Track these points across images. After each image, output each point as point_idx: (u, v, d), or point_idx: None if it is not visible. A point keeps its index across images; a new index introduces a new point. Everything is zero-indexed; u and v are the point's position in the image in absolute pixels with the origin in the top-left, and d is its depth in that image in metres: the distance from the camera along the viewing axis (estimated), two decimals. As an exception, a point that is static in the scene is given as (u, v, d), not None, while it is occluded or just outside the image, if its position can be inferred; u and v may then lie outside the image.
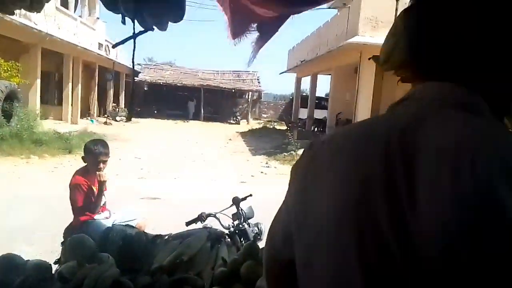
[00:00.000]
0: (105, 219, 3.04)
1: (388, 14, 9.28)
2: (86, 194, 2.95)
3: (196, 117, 26.68)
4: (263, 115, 31.97)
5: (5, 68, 11.44)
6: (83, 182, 2.95)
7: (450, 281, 0.43)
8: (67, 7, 16.45)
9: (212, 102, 28.00)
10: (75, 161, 9.25)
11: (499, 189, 0.43)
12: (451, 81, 0.55)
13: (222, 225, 2.79)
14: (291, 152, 12.71)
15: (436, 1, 0.58)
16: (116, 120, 21.47)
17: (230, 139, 17.55)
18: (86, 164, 3.06)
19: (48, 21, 12.99)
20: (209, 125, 23.82)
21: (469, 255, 0.42)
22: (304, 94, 24.67)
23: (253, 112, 30.56)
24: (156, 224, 3.69)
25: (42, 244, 3.91)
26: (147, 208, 5.89)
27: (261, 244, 1.76)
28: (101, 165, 2.99)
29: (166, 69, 29.75)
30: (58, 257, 2.24)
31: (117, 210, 3.30)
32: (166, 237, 2.22)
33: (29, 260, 1.74)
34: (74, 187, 2.94)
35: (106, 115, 21.74)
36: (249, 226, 2.88)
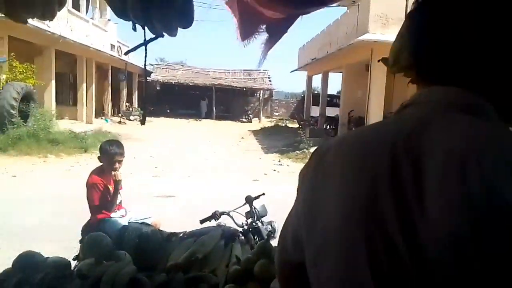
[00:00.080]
0: (121, 217, 3.10)
1: (398, 11, 9.18)
2: (102, 193, 3.02)
3: (208, 116, 26.81)
4: (274, 113, 31.93)
5: (21, 70, 11.66)
6: (99, 181, 3.02)
7: (459, 282, 0.44)
8: (78, 10, 16.70)
9: (224, 101, 28.08)
10: (91, 160, 9.41)
11: (506, 190, 0.43)
12: (456, 85, 0.55)
13: (235, 223, 2.82)
14: (304, 150, 12.69)
15: (438, 4, 0.58)
16: (130, 120, 21.71)
17: (242, 138, 17.59)
18: (102, 164, 3.12)
19: (60, 24, 13.20)
20: (221, 124, 23.91)
21: (475, 256, 0.43)
22: (316, 92, 24.54)
23: (265, 110, 30.55)
24: (171, 222, 3.74)
25: (61, 241, 3.99)
26: (162, 206, 5.97)
27: (275, 242, 1.78)
28: (117, 164, 3.05)
29: (177, 68, 29.94)
30: (76, 253, 2.30)
31: (133, 208, 3.36)
32: (181, 235, 2.26)
33: (48, 257, 1.79)
34: (90, 186, 3.01)
35: (120, 115, 22.00)
36: (263, 224, 2.89)
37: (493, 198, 0.44)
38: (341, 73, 17.06)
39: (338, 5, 12.47)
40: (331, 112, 18.77)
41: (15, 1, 1.61)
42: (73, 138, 11.82)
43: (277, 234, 3.09)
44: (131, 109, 23.66)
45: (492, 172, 0.45)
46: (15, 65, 11.53)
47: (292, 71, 23.73)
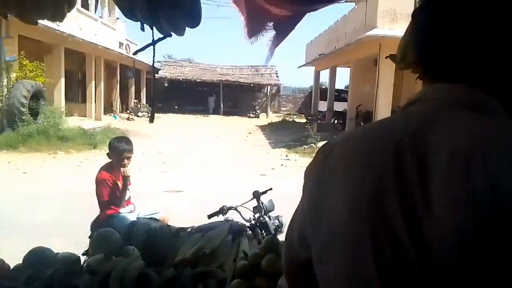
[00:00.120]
0: (130, 212, 3.13)
1: (406, 6, 9.08)
2: (111, 189, 3.05)
3: (215, 111, 26.86)
4: (282, 108, 31.87)
5: (30, 69, 11.78)
6: (109, 177, 3.05)
7: (464, 280, 0.44)
8: (87, 9, 16.82)
9: (231, 97, 28.09)
10: (100, 156, 9.50)
11: (511, 187, 0.43)
12: (461, 82, 0.55)
13: (243, 218, 2.83)
14: (311, 144, 12.66)
15: (443, 2, 0.58)
16: (138, 116, 21.84)
17: (249, 133, 17.60)
18: (111, 160, 3.14)
19: (69, 23, 13.30)
20: (228, 119, 23.94)
21: (479, 253, 0.43)
22: (323, 87, 24.43)
23: (272, 105, 30.51)
24: (179, 217, 3.76)
25: (70, 237, 4.04)
26: (170, 201, 6.01)
27: (282, 237, 1.78)
28: (125, 161, 3.08)
29: (185, 65, 30.00)
30: (86, 248, 2.33)
31: (141, 204, 3.39)
32: (189, 229, 2.27)
33: (58, 253, 1.81)
34: (100, 183, 3.04)
35: (128, 111, 22.15)
36: (270, 219, 2.90)
37: (498, 196, 0.43)
38: (349, 68, 16.97)
39: (346, 1, 12.38)
40: (338, 106, 18.68)
41: (26, 3, 1.63)
42: (82, 134, 11.93)
43: (285, 229, 3.09)
44: (139, 105, 23.80)
45: (497, 170, 0.45)
46: (25, 63, 11.64)
47: (299, 67, 23.66)
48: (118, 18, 20.24)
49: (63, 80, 14.62)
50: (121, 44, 20.79)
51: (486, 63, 0.54)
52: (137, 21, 1.52)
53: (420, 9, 0.61)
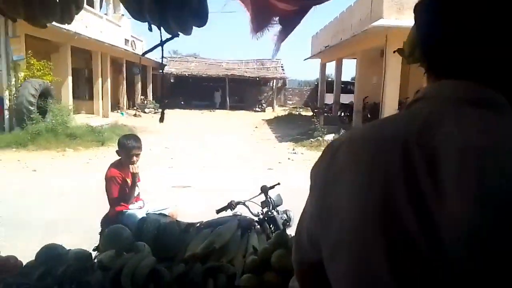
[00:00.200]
0: (139, 208, 3.15)
1: (414, -5, 8.97)
2: (120, 186, 3.08)
3: (222, 106, 26.87)
4: (288, 101, 31.78)
5: (38, 67, 11.87)
6: (118, 174, 3.08)
7: (479, 277, 0.44)
8: (93, 6, 16.86)
9: (237, 91, 28.07)
10: (108, 153, 9.56)
11: None
12: (466, 79, 0.54)
13: (251, 212, 2.84)
14: (318, 138, 12.63)
15: None
16: (145, 112, 21.94)
17: (256, 127, 17.60)
18: (120, 157, 3.17)
19: (75, 21, 13.30)
20: (235, 114, 23.94)
21: (494, 250, 0.43)
22: (329, 79, 24.29)
23: (278, 99, 30.44)
24: (187, 212, 3.79)
25: (80, 233, 4.09)
26: (178, 197, 6.05)
27: (290, 231, 1.79)
28: (134, 158, 3.10)
29: (191, 61, 30.00)
30: (96, 244, 2.36)
31: (150, 200, 3.42)
32: (198, 225, 2.28)
33: (70, 249, 1.84)
34: (109, 179, 3.07)
35: (135, 108, 22.25)
36: (278, 214, 2.91)
37: None
38: (355, 60, 16.84)
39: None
40: (345, 99, 18.58)
41: (34, 6, 1.64)
42: (90, 132, 12.03)
43: (293, 223, 3.11)
44: (146, 102, 23.90)
45: (510, 166, 0.44)
46: (32, 62, 11.73)
47: (305, 59, 23.54)
48: (123, 15, 20.26)
49: (70, 78, 14.72)
50: (126, 41, 20.83)
51: (491, 58, 0.53)
52: (145, 22, 1.52)
53: (423, 3, 0.60)
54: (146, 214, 2.98)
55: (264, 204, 2.92)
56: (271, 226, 2.79)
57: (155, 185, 6.01)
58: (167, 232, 2.02)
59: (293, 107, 28.54)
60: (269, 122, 19.80)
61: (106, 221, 2.98)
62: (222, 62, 29.59)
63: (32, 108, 10.95)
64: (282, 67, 28.66)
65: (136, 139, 3.20)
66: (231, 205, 2.83)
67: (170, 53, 33.56)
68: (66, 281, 1.52)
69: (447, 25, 0.55)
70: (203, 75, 27.35)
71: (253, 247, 1.72)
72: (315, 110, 19.85)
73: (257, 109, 27.24)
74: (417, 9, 0.61)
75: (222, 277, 1.53)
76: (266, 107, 27.75)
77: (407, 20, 10.43)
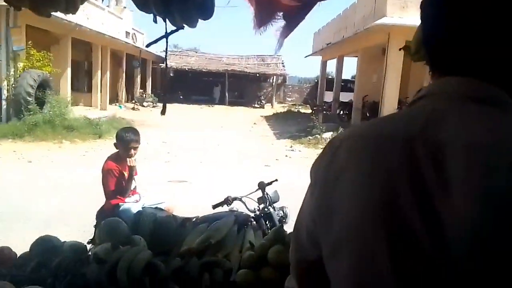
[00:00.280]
0: (135, 202, 3.15)
1: (417, -7, 8.96)
2: (117, 179, 3.06)
3: (221, 102, 26.82)
4: (287, 98, 31.76)
5: (38, 58, 11.82)
6: (115, 167, 3.06)
7: (484, 275, 0.43)
8: (95, -2, 16.77)
9: (237, 87, 28.03)
10: (105, 146, 9.55)
11: None
12: (470, 76, 0.54)
13: (248, 208, 2.84)
14: (316, 135, 12.62)
15: None
16: (144, 106, 21.88)
17: (254, 123, 17.59)
18: (118, 150, 3.16)
19: (77, 12, 13.25)
20: (234, 110, 23.92)
21: (501, 250, 0.42)
22: (330, 77, 24.27)
23: (278, 96, 30.41)
24: (183, 207, 3.78)
25: (75, 225, 4.08)
26: (174, 191, 6.04)
27: (287, 227, 1.79)
28: (132, 151, 3.09)
29: (191, 55, 29.92)
30: (91, 237, 2.35)
31: (147, 194, 3.41)
32: (194, 219, 2.28)
33: (65, 241, 1.83)
34: (106, 172, 3.06)
35: (133, 101, 22.19)
36: (275, 210, 2.90)
37: None
38: (356, 58, 16.81)
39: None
40: (345, 97, 18.57)
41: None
42: (87, 124, 11.99)
43: (289, 220, 3.11)
44: (144, 95, 23.84)
45: None
46: (32, 53, 11.68)
47: (306, 56, 23.51)
48: (125, 7, 20.19)
49: (69, 70, 14.66)
50: (127, 33, 20.75)
51: (495, 56, 0.53)
52: (150, 14, 1.51)
53: (428, 1, 0.60)
54: (142, 207, 2.97)
55: (260, 200, 2.92)
56: (267, 222, 2.79)
57: (151, 179, 6.00)
58: (164, 226, 2.01)
59: (292, 104, 28.53)
60: (268, 118, 19.79)
61: (102, 214, 2.97)
62: (222, 57, 29.52)
63: (30, 99, 10.91)
64: (282, 63, 28.61)
65: (135, 132, 3.18)
66: (227, 201, 2.83)
67: (170, 47, 33.32)
68: (61, 273, 1.51)
69: (451, 22, 0.55)
70: (203, 70, 27.27)
71: (250, 242, 1.71)
72: (314, 108, 19.84)
73: (256, 105, 27.20)
74: (422, 6, 0.61)
75: (218, 272, 1.52)
76: (265, 103, 27.72)
77: (411, 18, 10.42)
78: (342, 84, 19.82)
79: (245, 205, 2.87)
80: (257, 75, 27.87)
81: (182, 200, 4.83)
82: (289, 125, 16.36)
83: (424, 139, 0.49)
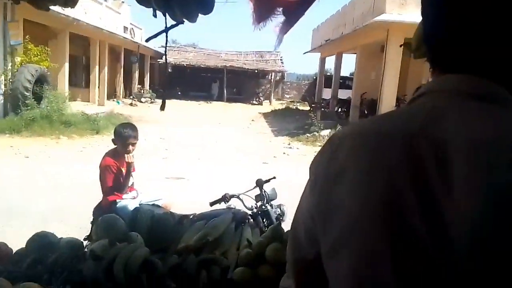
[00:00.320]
0: (133, 198, 3.14)
1: (417, -10, 8.96)
2: (115, 175, 3.05)
3: (219, 98, 26.77)
4: (286, 95, 31.73)
5: (35, 53, 11.74)
6: (113, 163, 3.05)
7: (486, 275, 0.43)
8: (93, -8, 16.66)
9: (235, 83, 27.98)
10: (103, 142, 9.52)
11: None
12: (470, 73, 0.54)
13: (245, 206, 2.84)
14: (314, 133, 12.62)
15: None
16: (141, 102, 21.83)
17: (252, 120, 17.57)
18: (115, 146, 3.15)
19: (75, 7, 13.19)
20: (232, 106, 23.89)
21: (504, 249, 0.42)
22: (328, 74, 24.25)
23: (276, 92, 30.38)
24: (181, 204, 3.78)
25: (72, 221, 4.08)
26: (172, 188, 6.04)
27: (284, 225, 1.78)
28: (130, 147, 3.08)
29: (189, 51, 29.81)
30: (87, 233, 2.34)
31: (144, 190, 3.40)
32: (191, 216, 2.28)
33: (62, 237, 1.82)
34: (104, 168, 3.05)
35: (131, 97, 22.14)
36: (272, 208, 2.91)
37: None
38: (354, 55, 16.80)
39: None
40: (343, 94, 18.57)
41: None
42: (85, 120, 11.95)
43: (286, 218, 3.11)
44: (142, 91, 23.78)
45: None
46: (30, 48, 11.60)
47: (305, 53, 23.47)
48: (123, 2, 20.06)
49: (67, 64, 14.60)
50: (125, 28, 20.64)
51: (496, 53, 0.53)
52: (150, 7, 1.49)
53: (428, 0, 0.60)
54: (140, 204, 2.96)
55: (258, 197, 2.92)
56: (264, 220, 2.79)
57: (148, 176, 5.99)
58: (161, 223, 2.01)
59: (290, 101, 28.51)
60: (266, 115, 19.77)
61: (99, 210, 2.97)
62: (220, 53, 29.45)
63: (27, 94, 10.85)
64: (281, 59, 28.57)
65: (133, 128, 3.17)
66: (225, 198, 2.83)
67: (169, 42, 33.09)
68: (57, 270, 1.50)
69: (452, 23, 0.55)
70: (201, 66, 27.20)
71: (248, 240, 1.71)
72: (313, 105, 19.83)
73: (254, 102, 27.18)
74: (422, 5, 0.60)
75: (215, 270, 1.52)
76: (263, 100, 27.69)
77: (410, 15, 10.42)
78: (341, 81, 19.82)
79: (243, 202, 2.87)
80: (256, 71, 27.83)
81: (180, 197, 4.81)
82: (287, 122, 16.36)
83: (425, 136, 0.49)
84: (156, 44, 23.22)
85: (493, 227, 0.43)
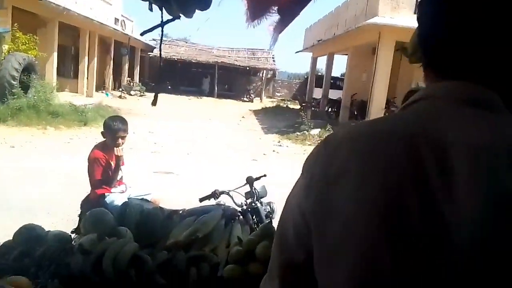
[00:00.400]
0: (121, 192, 3.11)
1: (410, -6, 9.05)
2: (104, 168, 3.02)
3: (209, 94, 26.66)
4: (276, 93, 31.76)
5: (23, 41, 11.52)
6: (102, 156, 3.02)
7: (478, 280, 0.44)
8: (83, -19, 16.40)
9: (226, 80, 27.89)
10: (91, 134, 9.41)
11: None
12: (465, 79, 0.54)
13: (235, 203, 2.83)
14: (304, 131, 12.67)
15: None
16: (131, 94, 21.61)
17: (243, 117, 17.55)
18: (105, 139, 3.11)
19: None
20: (222, 102, 23.82)
21: (506, 252, 0.43)
22: (319, 73, 24.34)
23: (267, 90, 30.39)
24: (169, 199, 3.76)
25: (59, 214, 4.02)
26: (160, 182, 6.00)
27: (274, 223, 1.79)
28: (120, 140, 3.05)
29: (181, 45, 29.56)
30: (75, 226, 2.31)
31: (133, 184, 3.37)
32: (181, 212, 2.26)
33: (49, 230, 1.79)
34: (92, 161, 3.01)
35: (120, 89, 21.89)
36: (262, 205, 2.91)
37: None
38: (346, 56, 16.88)
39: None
40: (333, 94, 18.66)
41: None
42: (73, 111, 11.78)
43: (275, 215, 3.11)
44: (132, 84, 23.53)
45: None
46: (18, 36, 11.37)
47: (297, 52, 23.48)
48: (114, -7, 19.78)
49: (55, 54, 14.35)
50: (116, 20, 20.36)
51: (492, 59, 0.53)
52: (146, 1, 1.48)
53: (423, 2, 0.60)
54: (128, 199, 2.94)
55: (248, 195, 2.92)
56: (254, 217, 2.79)
57: (136, 170, 5.94)
58: (150, 218, 1.99)
59: (281, 99, 28.55)
60: (256, 112, 19.77)
61: (87, 204, 2.93)
62: (212, 49, 29.29)
63: (14, 82, 10.64)
64: (273, 58, 28.57)
65: (123, 121, 3.14)
66: (215, 194, 2.81)
67: (161, 34, 32.98)
68: (45, 263, 1.48)
69: (452, 19, 0.55)
70: (193, 61, 27.03)
71: (238, 238, 1.71)
72: (303, 104, 19.89)
73: (245, 98, 27.14)
74: (420, 6, 0.61)
75: (205, 267, 1.51)
76: (254, 97, 27.67)
77: (402, 18, 10.52)
78: (332, 81, 19.92)
79: (233, 199, 2.87)
80: (247, 68, 27.77)
81: (168, 192, 4.79)
82: (277, 120, 16.38)
83: (425, 139, 0.50)
84: (147, 37, 23.01)
85: (493, 228, 0.44)
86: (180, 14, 1.54)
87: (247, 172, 3.14)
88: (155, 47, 26.20)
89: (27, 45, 11.60)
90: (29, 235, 1.69)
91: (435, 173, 0.47)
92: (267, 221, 2.69)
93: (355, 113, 14.89)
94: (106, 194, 3.02)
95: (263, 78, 28.80)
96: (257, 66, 27.98)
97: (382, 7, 11.30)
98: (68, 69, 18.30)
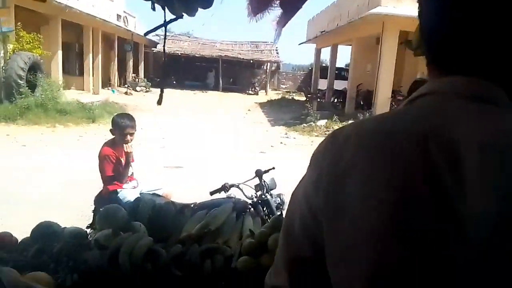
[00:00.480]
0: (133, 188, 3.15)
1: (414, -18, 8.93)
2: (114, 165, 3.06)
3: (214, 88, 26.63)
4: (281, 86, 31.66)
5: (27, 40, 11.58)
6: (111, 153, 3.06)
7: (498, 273, 0.44)
8: (85, -22, 16.39)
9: (231, 73, 27.84)
10: (99, 131, 9.48)
11: None
12: (469, 75, 0.54)
13: (245, 195, 2.86)
14: (310, 123, 12.66)
15: None
16: (136, 90, 21.67)
17: (249, 110, 17.55)
18: (114, 136, 3.15)
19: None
20: (227, 96, 23.80)
21: (508, 253, 0.43)
22: (324, 64, 24.20)
23: (272, 82, 30.29)
24: (180, 193, 3.79)
25: (72, 210, 4.08)
26: (170, 177, 6.05)
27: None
28: (128, 137, 3.08)
29: (184, 40, 29.48)
30: (89, 222, 2.35)
31: (144, 180, 3.41)
32: (192, 205, 2.29)
33: (66, 227, 1.83)
34: (103, 158, 3.05)
35: (126, 86, 21.95)
36: (272, 197, 2.93)
37: None
38: (350, 46, 16.75)
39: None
40: (339, 85, 18.56)
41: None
42: (80, 108, 11.88)
43: (285, 207, 3.14)
44: (137, 80, 23.58)
45: None
46: (22, 35, 11.43)
47: (300, 44, 23.33)
48: (116, -11, 19.77)
49: (60, 52, 14.42)
50: (119, 16, 20.36)
51: (499, 52, 0.52)
52: (149, 0, 1.48)
53: None
54: (140, 194, 2.98)
55: (258, 187, 2.94)
56: (264, 209, 2.81)
57: (146, 165, 5.99)
58: (162, 212, 2.02)
59: (286, 91, 28.47)
60: (262, 105, 19.75)
61: (100, 200, 2.98)
62: (216, 43, 29.20)
63: (21, 81, 10.73)
64: (276, 50, 28.41)
65: (130, 118, 3.17)
66: (225, 187, 2.84)
67: (162, 31, 32.92)
68: (63, 259, 1.52)
69: (456, 13, 0.54)
70: (196, 55, 26.97)
71: (250, 230, 1.73)
72: (309, 95, 19.82)
73: (250, 91, 27.08)
74: (422, 2, 0.60)
75: (219, 259, 1.54)
76: (259, 90, 27.60)
77: (405, 8, 10.40)
78: (336, 72, 19.79)
79: (243, 192, 2.89)
80: (251, 61, 27.65)
81: (179, 186, 4.83)
82: (283, 112, 16.36)
83: (437, 136, 0.49)
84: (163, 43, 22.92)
85: (505, 223, 0.44)
86: (183, 13, 1.55)
87: (256, 164, 3.16)
88: (158, 43, 26.15)
89: (31, 44, 11.66)
90: (46, 232, 1.73)
91: (446, 170, 0.47)
92: (277, 213, 2.72)
93: (361, 103, 14.81)
94: (118, 190, 3.06)
95: (268, 70, 28.69)
96: (261, 59, 27.85)
97: (385, -3, 11.19)
98: (73, 66, 18.39)
